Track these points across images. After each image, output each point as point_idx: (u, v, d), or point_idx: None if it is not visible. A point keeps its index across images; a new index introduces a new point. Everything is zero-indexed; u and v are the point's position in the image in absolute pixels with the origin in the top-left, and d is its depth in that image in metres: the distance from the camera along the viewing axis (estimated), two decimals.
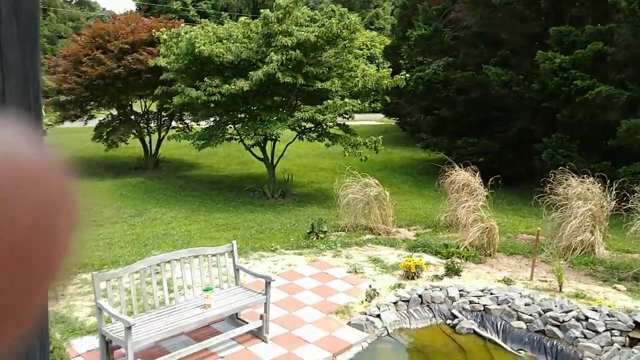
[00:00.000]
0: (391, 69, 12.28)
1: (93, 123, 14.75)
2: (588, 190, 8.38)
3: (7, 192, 0.33)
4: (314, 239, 8.88)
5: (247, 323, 5.33)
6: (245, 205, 11.34)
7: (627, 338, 5.42)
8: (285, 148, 12.69)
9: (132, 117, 14.40)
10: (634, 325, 5.54)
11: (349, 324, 5.93)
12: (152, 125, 14.63)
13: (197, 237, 8.70)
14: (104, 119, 14.50)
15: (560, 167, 8.93)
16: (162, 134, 14.64)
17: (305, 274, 7.42)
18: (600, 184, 8.39)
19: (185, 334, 5.30)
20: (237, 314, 5.61)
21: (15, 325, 0.35)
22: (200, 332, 5.34)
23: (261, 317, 5.34)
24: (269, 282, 5.39)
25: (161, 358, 4.47)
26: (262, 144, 12.02)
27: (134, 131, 14.22)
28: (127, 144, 14.82)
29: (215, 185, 13.21)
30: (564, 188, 8.54)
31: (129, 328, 4.10)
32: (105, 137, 14.06)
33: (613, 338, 5.47)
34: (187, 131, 13.91)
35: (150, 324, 4.57)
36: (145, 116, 14.45)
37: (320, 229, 9.10)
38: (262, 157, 12.52)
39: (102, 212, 10.19)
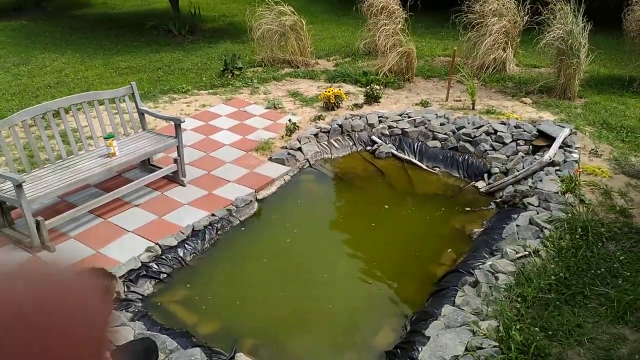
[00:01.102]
0: None
1: None
2: (503, 5, 8.24)
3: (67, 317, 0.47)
4: (229, 76, 8.34)
5: (160, 168, 5.06)
6: (150, 45, 10.26)
7: (530, 146, 5.76)
8: None
9: None
10: (537, 134, 5.86)
11: (270, 159, 5.85)
12: None
13: (96, 84, 7.87)
14: None
15: None
16: None
17: (222, 114, 7.06)
18: None
19: (93, 187, 4.98)
20: (149, 160, 5.31)
21: None
22: (110, 182, 5.04)
23: (175, 160, 5.08)
24: (179, 124, 5.02)
25: (68, 212, 4.19)
26: None
27: None
28: None
29: (112, 25, 11.73)
30: (481, 5, 8.34)
31: (18, 186, 3.70)
32: None
33: (518, 148, 5.80)
34: None
35: (46, 179, 4.17)
36: None
37: (234, 65, 8.50)
38: None
39: None
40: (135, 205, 4.78)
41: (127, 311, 3.45)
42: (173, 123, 5.09)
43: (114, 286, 2.18)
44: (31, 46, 9.93)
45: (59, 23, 11.75)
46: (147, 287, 3.87)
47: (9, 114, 6.17)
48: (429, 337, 3.18)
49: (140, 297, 3.75)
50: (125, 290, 3.69)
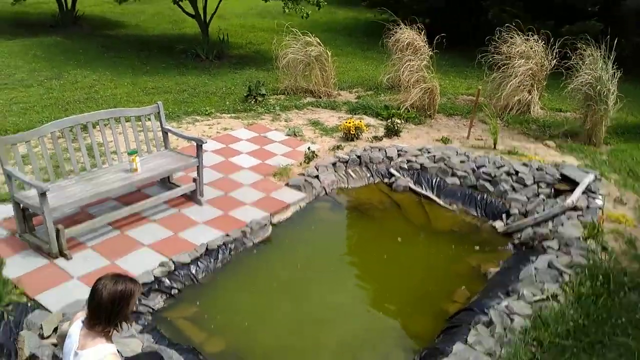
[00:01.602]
0: None
1: None
2: (531, 48, 8.27)
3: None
4: (252, 102, 8.48)
5: (179, 187, 5.11)
6: (178, 67, 10.53)
7: (552, 190, 5.69)
8: (219, 2, 11.56)
9: None
10: (560, 177, 5.79)
11: (287, 185, 5.87)
12: None
13: (124, 101, 8.06)
14: None
15: (506, 25, 8.66)
16: None
17: (242, 138, 7.16)
18: (543, 42, 8.29)
19: (113, 200, 5.05)
20: (169, 178, 5.37)
21: None
22: (129, 197, 5.09)
23: (194, 180, 5.13)
24: (201, 145, 5.09)
25: (86, 223, 4.23)
26: None
27: None
28: None
29: (143, 46, 12.09)
30: (508, 47, 8.39)
31: (43, 194, 3.77)
32: None
33: (540, 190, 5.73)
34: None
35: (70, 189, 4.24)
36: None
37: (258, 92, 8.66)
38: (194, 13, 11.39)
39: (14, 75, 9.15)
40: (153, 221, 4.81)
41: (137, 323, 3.44)
42: (195, 143, 5.16)
43: (139, 290, 2.37)
44: (64, 62, 10.26)
45: (93, 41, 12.16)
46: (157, 301, 3.86)
47: (39, 125, 6.34)
48: None
49: (151, 310, 3.74)
50: (137, 302, 3.67)
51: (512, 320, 3.56)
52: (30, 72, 9.45)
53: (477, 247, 5.04)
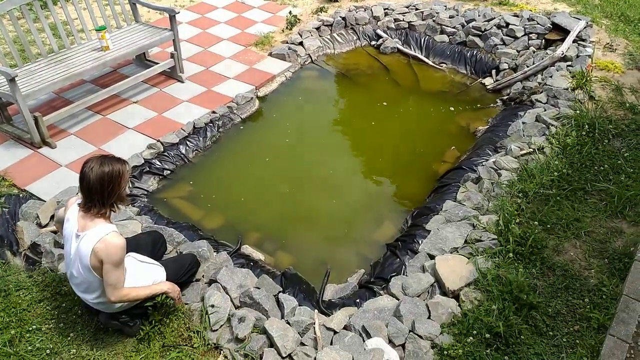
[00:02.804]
0: None
1: None
2: None
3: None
4: None
5: (157, 63, 4.88)
6: None
7: (543, 40, 5.50)
8: None
9: None
10: (551, 27, 5.56)
11: (270, 54, 5.63)
12: None
13: None
14: None
15: None
16: None
17: (218, 5, 6.70)
18: None
19: (89, 83, 4.84)
20: (145, 55, 5.10)
21: None
22: (106, 78, 4.89)
23: (172, 55, 4.87)
24: (174, 15, 4.74)
25: (65, 109, 4.09)
26: None
27: None
28: None
29: None
30: None
31: (12, 80, 3.57)
32: None
33: (530, 42, 5.54)
34: None
35: (40, 73, 4.02)
36: None
37: None
38: None
39: None
40: (134, 102, 4.67)
41: (134, 206, 3.50)
42: (167, 15, 4.80)
43: (127, 169, 2.33)
44: None
45: None
46: (151, 183, 3.90)
47: None
48: (429, 231, 3.25)
49: (145, 192, 3.79)
50: (130, 186, 3.71)
51: (499, 175, 3.66)
52: None
53: (451, 108, 5.00)
